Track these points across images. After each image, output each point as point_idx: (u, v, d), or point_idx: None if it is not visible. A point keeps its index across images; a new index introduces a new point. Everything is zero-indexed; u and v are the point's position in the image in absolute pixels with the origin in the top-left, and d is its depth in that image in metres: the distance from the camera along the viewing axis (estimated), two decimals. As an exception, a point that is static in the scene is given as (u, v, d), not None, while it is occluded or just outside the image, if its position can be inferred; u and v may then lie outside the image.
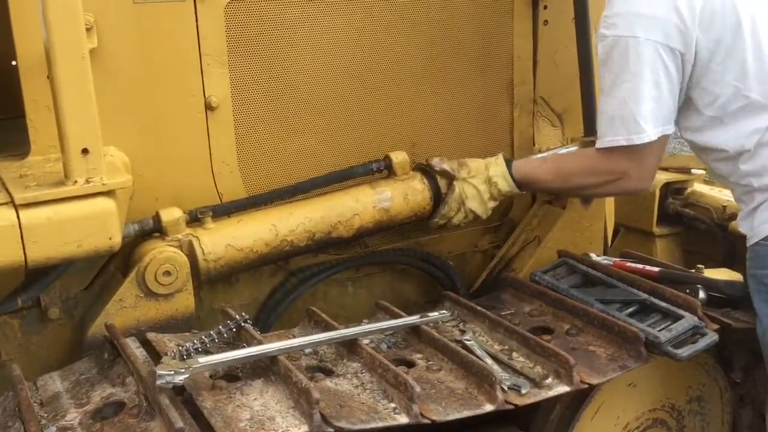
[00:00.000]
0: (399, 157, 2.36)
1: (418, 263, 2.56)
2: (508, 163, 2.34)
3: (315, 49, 2.29)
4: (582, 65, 2.54)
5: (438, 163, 2.35)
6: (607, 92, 2.12)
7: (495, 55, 2.59)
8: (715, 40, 2.04)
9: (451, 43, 2.50)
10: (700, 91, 2.11)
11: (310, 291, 2.40)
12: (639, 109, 2.05)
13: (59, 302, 2.06)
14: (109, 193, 1.79)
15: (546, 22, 2.64)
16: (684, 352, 1.99)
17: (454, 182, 2.33)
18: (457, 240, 2.66)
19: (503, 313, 2.26)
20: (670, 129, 2.13)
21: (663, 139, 2.11)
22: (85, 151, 1.73)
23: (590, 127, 2.58)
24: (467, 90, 2.57)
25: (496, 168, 2.32)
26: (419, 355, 2.01)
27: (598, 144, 2.16)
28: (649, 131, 2.06)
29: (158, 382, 1.63)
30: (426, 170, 2.39)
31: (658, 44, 2.02)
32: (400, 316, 2.11)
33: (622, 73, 2.06)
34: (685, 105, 2.15)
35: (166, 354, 1.78)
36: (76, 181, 1.74)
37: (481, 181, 2.33)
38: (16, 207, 1.70)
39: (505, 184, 2.32)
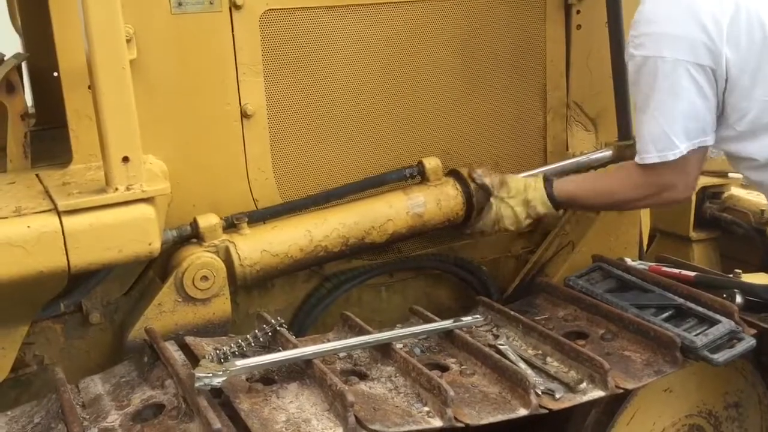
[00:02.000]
0: (432, 163, 2.37)
1: (451, 268, 2.56)
2: (549, 182, 2.35)
3: (348, 58, 2.31)
4: (615, 70, 2.54)
5: (480, 176, 2.36)
6: (640, 111, 2.16)
7: (528, 60, 2.59)
8: (743, 56, 2.04)
9: (484, 50, 2.51)
10: (729, 107, 2.11)
11: (344, 296, 2.42)
12: (671, 126, 2.08)
13: (100, 307, 2.11)
14: (148, 200, 1.82)
15: (579, 26, 2.63)
16: (720, 357, 1.97)
17: (492, 199, 2.35)
18: (490, 245, 2.66)
19: (537, 318, 2.26)
20: (709, 140, 2.13)
21: (702, 150, 2.13)
22: (125, 159, 1.77)
23: (624, 132, 2.57)
24: (500, 96, 2.57)
25: (535, 192, 2.34)
26: (453, 360, 2.01)
27: (637, 160, 2.18)
28: (682, 146, 2.08)
29: (197, 385, 1.66)
30: (459, 176, 2.40)
31: (687, 63, 2.03)
32: (434, 321, 2.12)
33: (651, 92, 2.08)
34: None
35: (204, 357, 1.81)
36: (116, 189, 1.78)
37: (518, 202, 2.34)
38: (59, 214, 1.74)
39: (543, 208, 2.34)
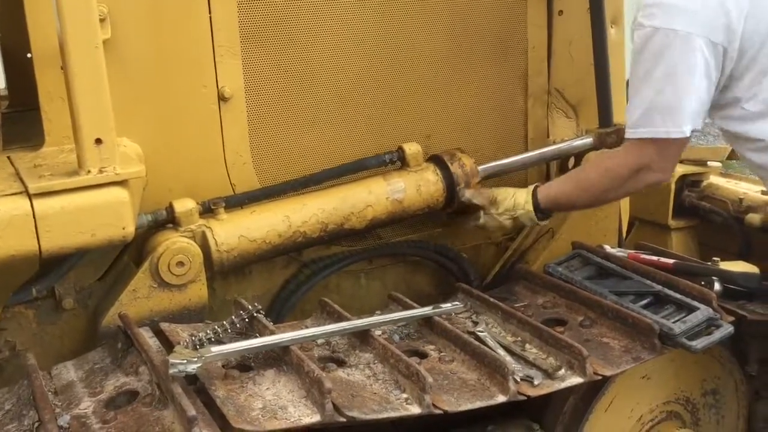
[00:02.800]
0: (412, 149, 2.36)
1: (431, 255, 2.55)
2: (536, 192, 2.35)
3: (328, 41, 2.29)
4: (597, 56, 2.53)
5: (469, 198, 2.37)
6: (641, 81, 2.08)
7: (510, 46, 2.58)
8: (763, 36, 2.00)
9: (466, 35, 2.49)
10: (742, 87, 2.07)
11: (323, 282, 2.40)
12: (679, 102, 2.02)
13: (73, 292, 2.08)
14: (122, 183, 1.79)
15: (561, 12, 2.61)
16: (698, 344, 1.98)
17: (482, 212, 2.39)
18: (470, 232, 2.65)
19: (516, 305, 2.26)
20: (700, 125, 2.10)
21: (690, 135, 2.10)
22: (98, 141, 1.74)
23: (605, 119, 2.56)
24: (482, 81, 2.56)
25: (524, 213, 2.36)
26: (432, 347, 2.01)
27: (629, 134, 2.13)
28: (686, 127, 2.03)
29: (171, 371, 1.64)
30: (440, 162, 2.38)
31: (699, 38, 1.98)
32: (413, 308, 2.11)
33: (658, 64, 2.02)
34: (724, 97, 2.12)
35: (179, 343, 1.79)
36: (89, 171, 1.75)
37: (507, 217, 2.38)
38: (30, 196, 1.71)
39: (529, 222, 2.39)
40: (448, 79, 2.49)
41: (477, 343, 1.94)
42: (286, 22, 2.21)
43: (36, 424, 1.65)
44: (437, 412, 1.71)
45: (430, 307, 2.10)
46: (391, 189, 2.31)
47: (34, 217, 1.70)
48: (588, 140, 2.58)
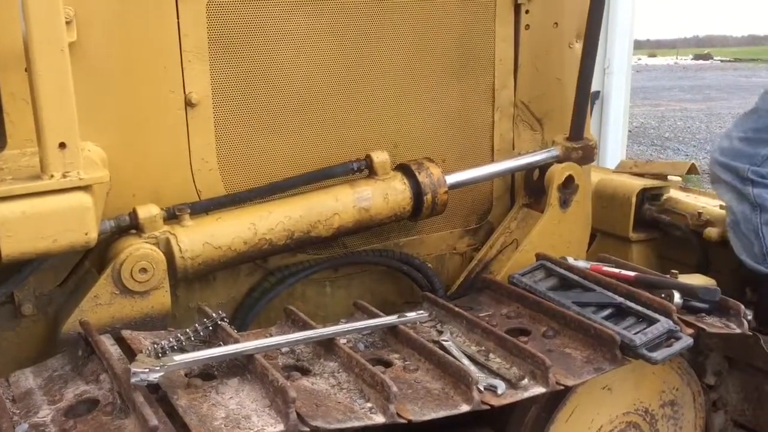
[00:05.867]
0: (380, 157, 2.36)
1: (396, 264, 2.55)
2: None
3: (297, 48, 2.29)
4: (582, 71, 2.55)
5: None
6: None
7: (477, 58, 2.60)
8: None
9: (434, 46, 2.51)
10: None
11: (288, 290, 2.39)
12: None
13: (33, 298, 2.04)
14: (85, 188, 1.77)
15: (527, 26, 2.65)
16: (658, 355, 2.01)
17: None
18: (435, 242, 2.67)
19: (481, 315, 2.27)
20: None
21: None
22: (62, 145, 1.71)
23: (576, 133, 2.60)
24: (449, 92, 2.58)
25: None
26: (396, 355, 2.01)
27: None
28: None
29: (133, 380, 1.62)
30: (407, 170, 2.39)
31: None
32: (378, 316, 2.11)
33: None
34: None
35: (141, 351, 1.77)
36: (52, 176, 1.72)
37: None
38: (-10, 200, 1.67)
39: None
40: (416, 89, 2.51)
41: (441, 352, 1.94)
42: (254, 29, 2.20)
43: (-8, 433, 1.62)
44: (401, 421, 1.71)
45: (395, 316, 2.10)
46: (358, 197, 2.31)
47: (-6, 221, 1.67)
48: (554, 153, 2.62)
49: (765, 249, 2.58)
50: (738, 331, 2.17)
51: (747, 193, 2.59)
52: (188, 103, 2.13)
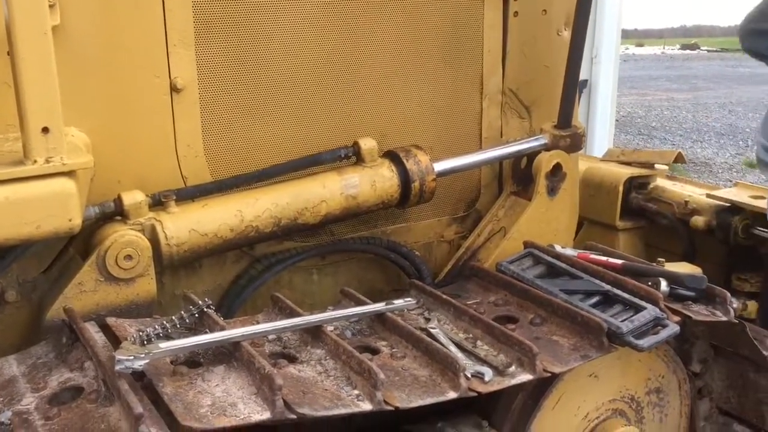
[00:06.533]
0: (367, 144, 2.35)
1: (384, 252, 2.55)
2: None
3: (284, 33, 2.26)
4: (571, 58, 2.54)
5: None
6: None
7: (465, 46, 2.59)
8: None
9: (423, 33, 2.49)
10: None
11: (275, 278, 2.38)
12: None
13: (16, 285, 2.02)
14: (69, 174, 1.75)
15: (516, 13, 2.64)
16: (645, 342, 2.01)
17: None
18: (423, 230, 2.66)
19: (468, 302, 2.27)
20: None
21: None
22: (45, 129, 1.69)
23: (564, 121, 2.60)
24: (437, 80, 2.56)
25: None
26: (384, 343, 2.00)
27: None
28: None
29: (117, 367, 1.60)
30: (395, 157, 2.38)
31: None
32: (365, 304, 2.11)
33: None
34: None
35: (126, 339, 1.75)
36: (35, 161, 1.70)
37: None
38: (-28, 186, 1.65)
39: None
40: (404, 76, 2.49)
41: (429, 339, 1.94)
42: (241, 14, 2.18)
43: (-25, 421, 1.60)
44: (389, 408, 1.71)
45: (382, 304, 2.09)
46: (345, 184, 2.30)
47: (-25, 207, 1.65)
48: (542, 141, 2.62)
49: None
50: (724, 318, 2.18)
51: None
52: (173, 89, 2.11)
